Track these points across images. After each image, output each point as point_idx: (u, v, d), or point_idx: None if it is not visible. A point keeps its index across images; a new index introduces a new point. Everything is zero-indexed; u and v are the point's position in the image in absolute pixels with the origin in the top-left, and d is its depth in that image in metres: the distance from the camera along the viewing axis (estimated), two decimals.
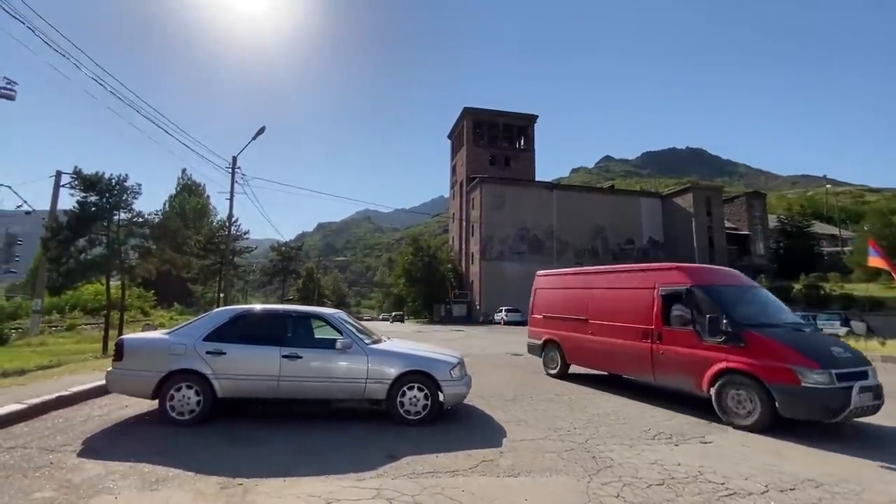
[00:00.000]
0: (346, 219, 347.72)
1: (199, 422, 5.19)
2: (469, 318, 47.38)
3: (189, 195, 59.03)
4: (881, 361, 12.24)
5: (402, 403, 5.41)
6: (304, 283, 60.74)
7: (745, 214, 54.60)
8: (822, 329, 21.40)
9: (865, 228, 54.86)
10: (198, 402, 5.23)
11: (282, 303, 59.20)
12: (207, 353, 5.33)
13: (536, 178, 58.62)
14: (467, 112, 57.90)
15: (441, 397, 5.53)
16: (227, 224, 19.78)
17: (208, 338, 5.43)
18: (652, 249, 53.84)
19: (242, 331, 5.62)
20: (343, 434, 5.07)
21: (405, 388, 5.44)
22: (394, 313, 61.16)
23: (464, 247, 55.07)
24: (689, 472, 4.11)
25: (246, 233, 34.90)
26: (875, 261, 14.77)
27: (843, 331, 21.47)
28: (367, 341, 5.72)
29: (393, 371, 5.45)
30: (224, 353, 5.35)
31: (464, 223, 54.50)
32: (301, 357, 5.39)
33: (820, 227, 63.05)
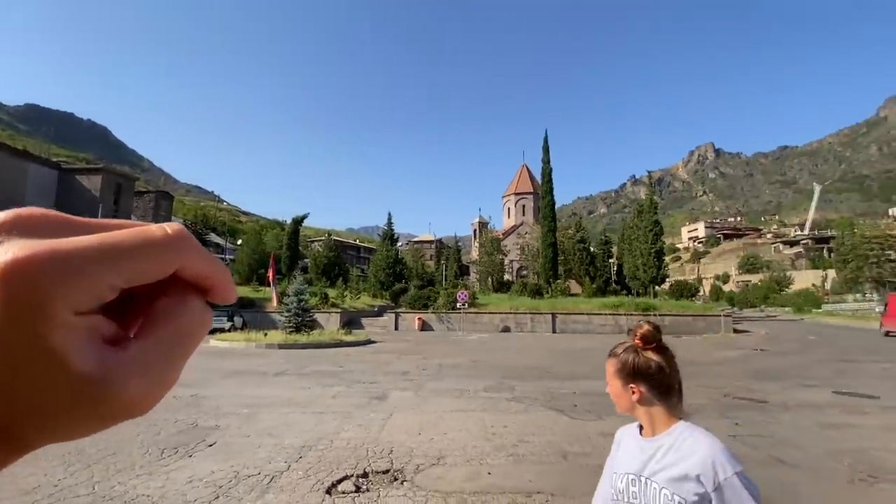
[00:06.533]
0: None
1: None
2: None
3: None
4: (301, 349, 16.43)
5: None
6: None
7: (152, 212, 54.71)
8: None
9: (240, 242, 69.42)
10: None
11: None
12: None
13: None
14: None
15: None
16: None
17: None
18: None
19: None
20: None
21: None
22: None
23: None
24: (227, 476, 4.33)
25: None
26: (270, 272, 19.84)
27: (228, 325, 26.31)
28: None
29: None
30: None
31: None
32: None
33: (212, 236, 73.67)
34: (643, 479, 1.25)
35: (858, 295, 52.47)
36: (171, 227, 0.23)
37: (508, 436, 5.75)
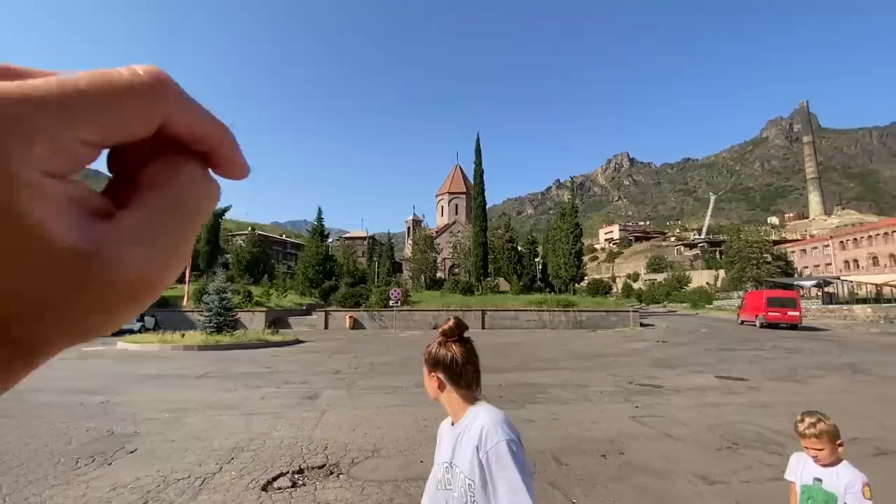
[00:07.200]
0: None
1: None
2: None
3: None
4: (224, 350, 15.44)
5: None
6: None
7: None
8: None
9: None
10: None
11: None
12: None
13: None
14: None
15: None
16: None
17: None
18: None
19: None
20: None
21: None
22: None
23: None
24: (155, 481, 4.23)
25: None
26: (186, 268, 18.48)
27: (137, 325, 24.19)
28: None
29: None
30: None
31: None
32: None
33: None
34: (453, 465, 1.34)
35: (742, 292, 60.24)
36: (143, 68, 0.18)
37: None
